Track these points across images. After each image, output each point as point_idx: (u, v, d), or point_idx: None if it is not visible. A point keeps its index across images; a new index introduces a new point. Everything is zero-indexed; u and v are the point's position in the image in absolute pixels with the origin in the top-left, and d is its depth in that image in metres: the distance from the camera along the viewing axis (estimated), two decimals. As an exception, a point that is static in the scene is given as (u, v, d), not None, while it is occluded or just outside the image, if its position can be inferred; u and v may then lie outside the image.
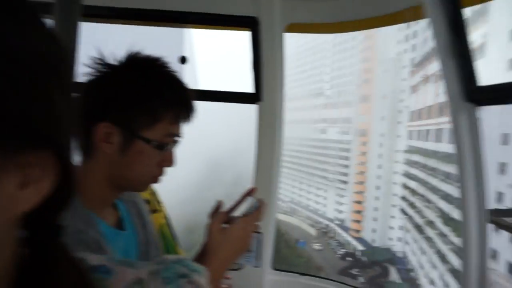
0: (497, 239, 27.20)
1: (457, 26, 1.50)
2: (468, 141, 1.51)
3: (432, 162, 46.77)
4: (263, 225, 1.17)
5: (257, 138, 2.21)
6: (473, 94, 1.47)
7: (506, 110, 28.18)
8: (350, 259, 52.97)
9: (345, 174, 69.15)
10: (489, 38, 39.00)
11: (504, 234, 26.06)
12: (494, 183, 28.56)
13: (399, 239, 53.48)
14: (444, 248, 36.80)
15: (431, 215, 42.43)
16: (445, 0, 1.49)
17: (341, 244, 58.66)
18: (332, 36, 79.15)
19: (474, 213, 1.52)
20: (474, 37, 36.60)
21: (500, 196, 28.56)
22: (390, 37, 64.52)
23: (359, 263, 51.65)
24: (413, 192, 50.37)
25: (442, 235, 37.98)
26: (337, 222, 64.77)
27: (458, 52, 1.47)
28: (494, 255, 27.82)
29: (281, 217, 62.87)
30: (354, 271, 49.13)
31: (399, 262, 49.87)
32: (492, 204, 29.22)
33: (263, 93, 2.11)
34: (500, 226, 7.66)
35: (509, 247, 26.15)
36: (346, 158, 69.87)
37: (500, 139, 29.90)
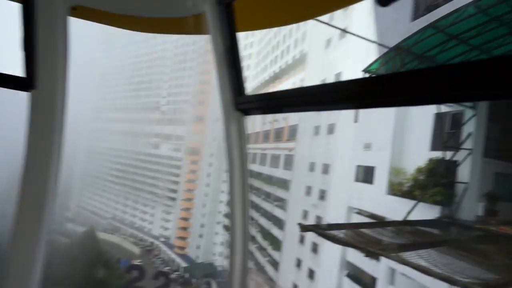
0: (301, 249, 32.63)
1: (232, 41, 1.72)
2: (237, 146, 1.72)
3: (256, 183, 52.38)
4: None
5: (28, 134, 1.77)
6: (240, 103, 1.64)
7: (313, 142, 34.84)
8: (163, 278, 52.64)
9: (174, 191, 69.24)
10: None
11: (307, 245, 31.54)
12: (302, 202, 34.43)
13: (221, 254, 56.95)
14: (263, 260, 41.39)
15: (252, 231, 47.21)
16: (223, 20, 1.68)
17: (165, 262, 57.82)
18: (171, 53, 79.99)
19: (239, 206, 1.69)
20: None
21: (305, 214, 34.06)
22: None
23: (179, 280, 52.10)
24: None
25: (262, 248, 42.63)
26: (163, 239, 63.67)
27: (231, 64, 1.63)
28: (299, 263, 33.05)
29: (102, 235, 57.20)
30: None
31: (220, 275, 52.90)
32: (300, 220, 34.41)
33: (38, 79, 1.76)
34: (326, 237, 9.57)
35: (310, 256, 31.12)
36: (176, 175, 70.24)
37: (308, 167, 35.85)
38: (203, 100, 73.12)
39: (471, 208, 12.40)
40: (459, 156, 12.55)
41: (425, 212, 12.29)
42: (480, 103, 12.56)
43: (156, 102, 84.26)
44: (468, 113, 12.78)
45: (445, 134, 12.99)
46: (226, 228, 56.12)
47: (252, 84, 68.89)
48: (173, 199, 68.96)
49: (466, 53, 10.89)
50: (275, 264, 38.69)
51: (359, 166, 18.43)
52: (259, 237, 44.26)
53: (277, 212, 40.85)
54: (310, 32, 45.63)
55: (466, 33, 9.76)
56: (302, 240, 33.02)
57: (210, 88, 72.64)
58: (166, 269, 55.43)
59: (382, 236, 9.15)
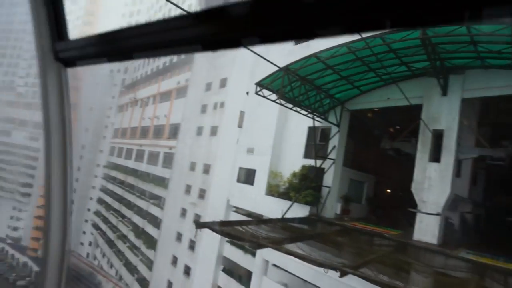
0: (178, 246, 33.07)
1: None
2: (56, 108, 1.31)
3: (131, 180, 50.04)
4: None
5: None
6: (61, 51, 1.25)
7: (195, 142, 35.65)
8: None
9: (29, 185, 60.44)
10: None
11: (185, 242, 32.17)
12: (181, 201, 34.82)
13: (88, 256, 52.39)
14: (134, 260, 39.93)
15: (125, 229, 44.95)
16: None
17: (12, 267, 50.08)
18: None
19: (58, 184, 1.34)
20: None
21: (184, 212, 34.45)
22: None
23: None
24: (108, 207, 51.56)
25: (135, 247, 41.09)
26: (11, 241, 54.82)
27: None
28: (175, 260, 33.37)
29: None
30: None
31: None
32: (177, 219, 34.55)
33: None
34: (220, 233, 10.77)
35: (188, 253, 31.76)
36: (33, 168, 61.48)
37: (189, 166, 36.40)
38: (76, 85, 65.78)
39: (332, 207, 15.15)
40: (326, 164, 15.15)
41: (299, 210, 14.46)
42: (342, 123, 15.46)
43: (10, 82, 71.95)
44: (334, 129, 15.54)
45: (316, 145, 15.48)
46: (95, 226, 51.86)
47: (132, 75, 65.39)
48: (27, 194, 60.09)
49: (336, 81, 13.34)
50: (149, 263, 37.83)
51: (241, 168, 19.98)
52: (131, 236, 42.50)
53: (154, 210, 40.03)
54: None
55: (338, 65, 12.04)
56: (179, 237, 33.33)
57: (82, 75, 65.98)
58: (12, 275, 48.03)
59: (267, 232, 10.61)
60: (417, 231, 11.44)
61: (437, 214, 10.99)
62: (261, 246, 8.46)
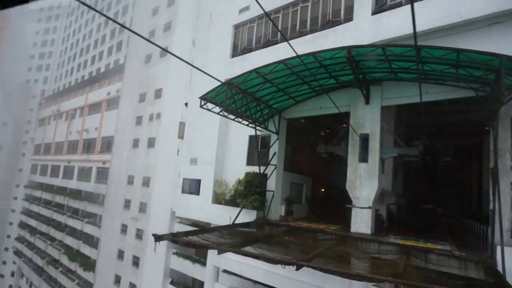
0: (120, 265, 31.86)
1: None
2: None
3: (59, 199, 46.58)
4: None
5: None
6: None
7: (132, 155, 34.72)
8: None
9: None
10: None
11: (128, 259, 31.07)
12: (120, 216, 33.57)
13: None
14: (70, 285, 37.30)
15: (56, 253, 41.69)
16: None
17: None
18: None
19: None
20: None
21: (124, 228, 33.29)
22: (21, 63, 59.54)
23: None
24: (33, 230, 47.24)
25: (69, 271, 38.38)
26: None
27: None
28: (118, 279, 32.10)
29: None
30: None
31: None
32: (117, 236, 33.35)
33: None
34: (181, 243, 11.30)
35: (132, 270, 30.68)
36: None
37: (127, 180, 35.29)
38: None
39: (277, 210, 16.24)
40: (268, 170, 16.21)
41: (246, 216, 15.26)
42: (281, 131, 16.70)
43: None
44: (274, 137, 16.70)
45: (259, 153, 16.48)
46: (19, 254, 46.99)
47: (53, 86, 60.85)
48: None
49: (274, 93, 14.49)
50: (87, 286, 35.66)
51: (185, 179, 20.20)
52: (64, 259, 39.56)
53: (89, 229, 37.84)
54: (127, 43, 44.96)
55: (277, 79, 13.16)
56: (121, 255, 32.08)
57: (-6, 86, 59.75)
58: None
59: (220, 238, 11.24)
60: (353, 224, 13.01)
61: (369, 208, 12.64)
62: (222, 251, 9.07)
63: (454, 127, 20.23)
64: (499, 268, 8.69)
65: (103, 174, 39.64)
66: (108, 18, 4.42)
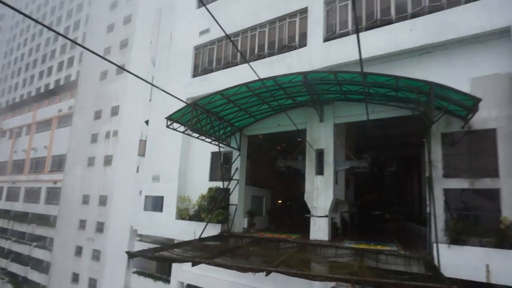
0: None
1: None
2: None
3: (1, 223, 43.54)
4: None
5: None
6: None
7: (87, 174, 33.73)
8: None
9: None
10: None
11: (83, 283, 29.86)
12: (74, 238, 32.24)
13: None
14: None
15: (-1, 282, 38.66)
16: None
17: None
18: None
19: None
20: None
21: (79, 249, 31.97)
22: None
23: None
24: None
25: (15, 300, 35.83)
26: None
27: None
28: (76, 278, 30.53)
29: None
30: None
31: None
32: (71, 259, 32.02)
33: None
34: (154, 258, 11.72)
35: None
36: None
37: (82, 199, 34.07)
38: None
39: (240, 223, 16.99)
40: (231, 185, 16.97)
41: (211, 230, 15.82)
42: (242, 147, 17.62)
43: None
44: (235, 153, 17.56)
45: (221, 168, 17.21)
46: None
47: (-6, 102, 57.10)
48: None
49: (236, 112, 15.43)
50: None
51: (147, 196, 20.29)
52: (9, 288, 36.82)
53: (38, 254, 35.75)
54: (79, 59, 43.82)
55: (239, 100, 14.12)
56: (75, 278, 30.75)
57: None
58: None
59: (191, 252, 11.77)
60: (312, 232, 14.17)
61: (326, 216, 13.88)
62: (196, 263, 9.62)
63: (396, 140, 22.44)
64: (436, 262, 10.19)
65: (54, 194, 37.87)
66: (58, 33, 4.19)
